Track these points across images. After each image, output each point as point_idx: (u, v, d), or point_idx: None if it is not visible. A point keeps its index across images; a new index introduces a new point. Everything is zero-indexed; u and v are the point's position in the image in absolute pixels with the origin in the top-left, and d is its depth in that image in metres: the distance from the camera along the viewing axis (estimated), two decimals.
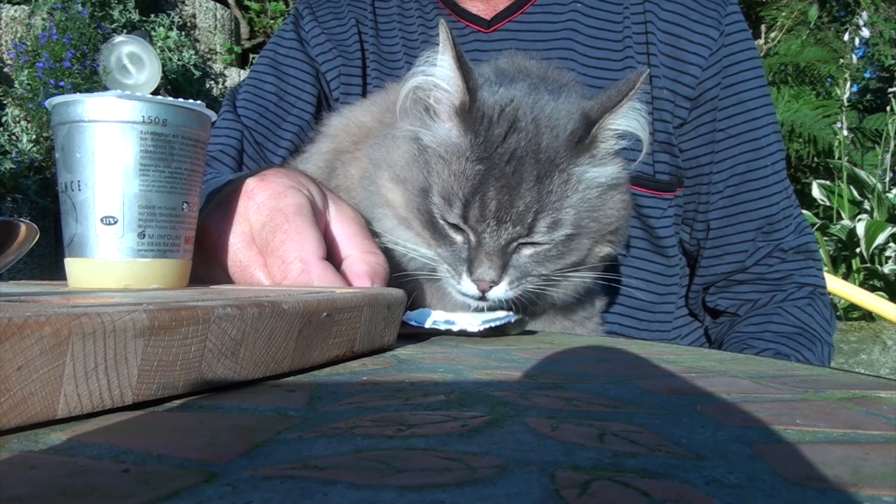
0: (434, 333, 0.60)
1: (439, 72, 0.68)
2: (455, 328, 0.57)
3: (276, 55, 1.01)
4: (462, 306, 0.71)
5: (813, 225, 3.16)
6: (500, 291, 0.67)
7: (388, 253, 0.68)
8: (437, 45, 0.68)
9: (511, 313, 0.61)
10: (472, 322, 0.57)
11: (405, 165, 0.71)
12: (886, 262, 2.97)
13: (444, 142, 0.68)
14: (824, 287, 0.93)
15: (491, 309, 0.69)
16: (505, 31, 0.94)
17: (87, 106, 0.48)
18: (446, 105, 0.69)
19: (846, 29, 4.43)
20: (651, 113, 0.90)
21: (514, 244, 0.67)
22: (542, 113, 0.68)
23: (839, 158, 3.66)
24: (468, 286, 0.67)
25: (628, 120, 0.69)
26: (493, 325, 0.57)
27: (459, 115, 0.68)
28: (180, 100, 0.51)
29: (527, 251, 0.68)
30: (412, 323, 0.57)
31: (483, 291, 0.67)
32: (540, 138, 0.66)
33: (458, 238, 0.68)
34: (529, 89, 0.71)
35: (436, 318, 0.58)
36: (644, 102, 0.69)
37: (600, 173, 0.69)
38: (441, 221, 0.68)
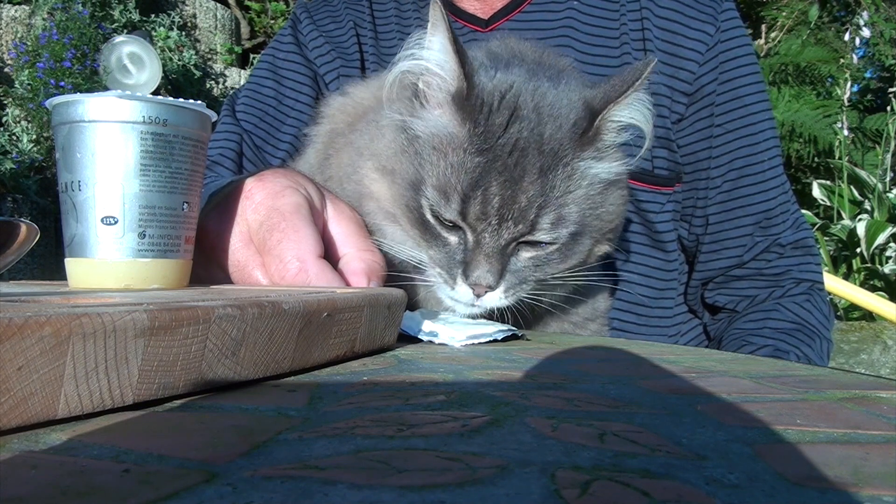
0: None
1: (432, 55, 0.63)
2: (437, 340, 0.55)
3: (275, 59, 1.02)
4: (450, 309, 0.67)
5: (813, 225, 3.16)
6: (494, 299, 0.63)
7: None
8: (428, 27, 0.63)
9: (501, 329, 0.58)
10: (456, 336, 0.54)
11: (392, 156, 0.66)
12: (887, 262, 2.97)
13: (438, 131, 0.63)
14: (822, 282, 0.93)
15: (482, 316, 0.66)
16: (502, 30, 0.95)
17: (88, 106, 0.48)
18: (441, 91, 0.64)
19: (847, 29, 4.44)
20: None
21: (514, 245, 0.63)
22: (543, 101, 0.64)
23: (840, 158, 3.66)
24: (463, 292, 0.63)
25: (633, 111, 0.65)
26: (476, 341, 0.55)
27: (456, 102, 0.63)
28: (181, 100, 0.51)
29: (526, 254, 0.64)
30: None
31: (478, 296, 0.62)
32: (543, 128, 0.62)
33: (453, 238, 0.64)
34: (528, 75, 0.67)
35: (422, 328, 0.56)
36: (649, 93, 0.65)
37: (604, 168, 0.65)
38: (432, 220, 0.63)
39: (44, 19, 3.30)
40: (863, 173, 3.46)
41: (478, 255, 0.62)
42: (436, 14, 0.61)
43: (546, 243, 0.64)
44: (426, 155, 0.63)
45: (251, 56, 4.34)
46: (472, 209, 0.61)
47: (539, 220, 0.61)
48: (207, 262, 0.60)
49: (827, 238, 3.18)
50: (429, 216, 0.63)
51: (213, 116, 0.54)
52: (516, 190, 0.60)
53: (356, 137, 0.72)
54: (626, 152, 0.70)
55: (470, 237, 0.62)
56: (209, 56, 4.22)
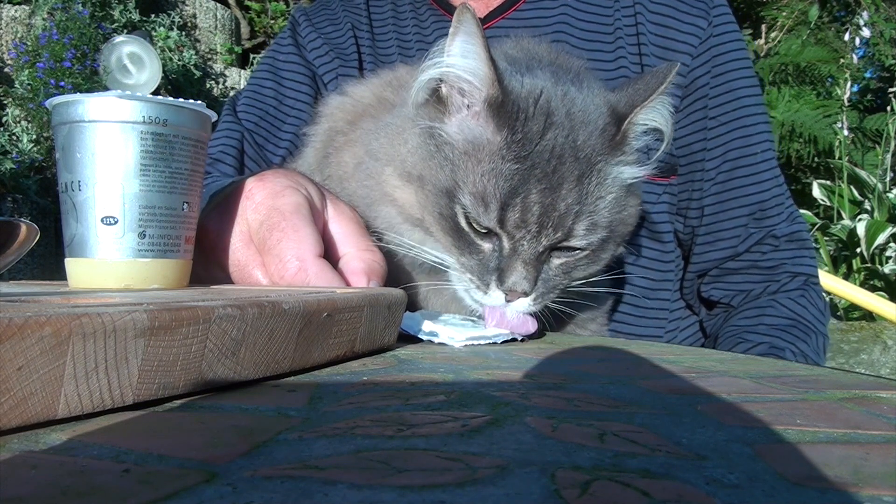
0: None
1: (463, 61, 0.62)
2: (437, 340, 0.55)
3: (275, 61, 1.04)
4: (466, 311, 0.68)
5: (813, 225, 3.16)
6: (524, 305, 0.62)
7: (387, 255, 0.65)
8: (457, 32, 0.61)
9: (501, 332, 0.58)
10: (456, 337, 0.55)
11: (419, 162, 0.64)
12: (887, 262, 2.97)
13: (473, 138, 0.62)
14: (817, 276, 0.94)
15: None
16: (498, 28, 0.95)
17: (88, 106, 0.48)
18: (473, 98, 0.63)
19: (847, 29, 4.44)
20: None
21: (548, 251, 0.63)
22: (573, 106, 0.64)
23: (840, 158, 3.66)
24: (496, 297, 0.62)
25: (656, 115, 0.65)
26: (475, 343, 0.55)
27: (491, 108, 0.62)
28: (181, 100, 0.51)
29: (557, 260, 0.64)
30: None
31: (509, 302, 0.62)
32: (576, 134, 0.62)
33: (487, 245, 0.63)
34: (554, 79, 0.67)
35: (422, 328, 0.57)
36: (671, 96, 0.66)
37: (629, 173, 0.66)
38: (466, 227, 0.63)
39: (44, 19, 3.30)
40: (863, 173, 3.46)
41: (514, 261, 0.61)
42: (468, 19, 0.60)
43: (578, 249, 0.64)
44: (458, 161, 0.62)
45: (251, 56, 4.34)
46: (511, 216, 0.60)
47: (575, 226, 0.62)
48: (207, 262, 0.60)
49: (827, 238, 3.18)
50: (463, 223, 0.63)
51: (213, 116, 0.54)
52: (556, 197, 0.60)
53: (367, 139, 0.72)
54: (642, 154, 0.70)
55: (506, 244, 0.62)
56: (209, 56, 4.22)
